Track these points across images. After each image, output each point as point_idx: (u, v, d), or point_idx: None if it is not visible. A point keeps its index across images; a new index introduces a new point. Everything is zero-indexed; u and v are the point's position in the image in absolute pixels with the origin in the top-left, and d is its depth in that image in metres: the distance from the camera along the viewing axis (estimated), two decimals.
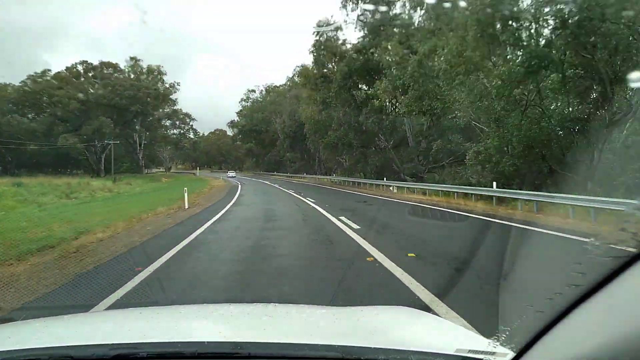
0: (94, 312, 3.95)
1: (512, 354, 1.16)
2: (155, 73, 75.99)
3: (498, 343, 1.30)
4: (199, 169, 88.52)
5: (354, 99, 28.42)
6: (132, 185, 47.36)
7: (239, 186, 35.01)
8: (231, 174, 65.38)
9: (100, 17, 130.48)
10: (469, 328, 3.17)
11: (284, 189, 30.42)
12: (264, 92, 71.92)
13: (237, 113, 77.70)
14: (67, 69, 66.46)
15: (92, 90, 64.23)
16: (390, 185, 26.29)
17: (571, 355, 0.91)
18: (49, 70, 64.73)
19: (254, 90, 75.32)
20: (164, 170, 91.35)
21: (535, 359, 1.05)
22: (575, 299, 0.93)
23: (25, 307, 4.66)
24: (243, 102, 76.24)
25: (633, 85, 13.52)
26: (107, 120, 59.12)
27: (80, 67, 67.94)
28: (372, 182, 29.37)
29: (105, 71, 69.26)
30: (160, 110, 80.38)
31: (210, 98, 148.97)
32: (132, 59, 72.69)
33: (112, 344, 1.38)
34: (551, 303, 1.03)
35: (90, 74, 67.84)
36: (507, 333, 1.30)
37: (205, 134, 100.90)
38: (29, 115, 64.81)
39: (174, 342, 1.44)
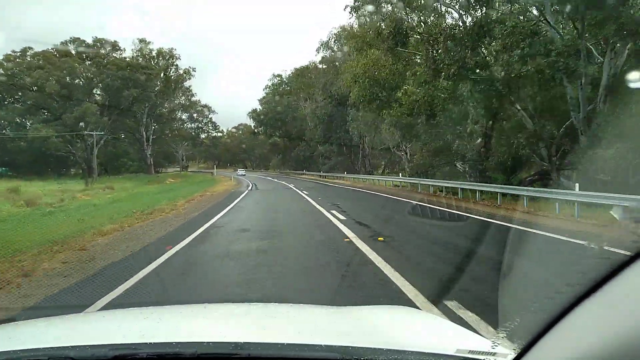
0: (94, 312, 3.96)
1: (512, 354, 1.14)
2: (167, 57, 64.73)
3: (499, 343, 1.29)
4: (220, 168, 78.46)
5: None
6: (114, 189, 35.72)
7: (244, 193, 22.90)
8: (241, 172, 61.80)
9: (99, 17, 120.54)
10: None
11: (321, 206, 14.89)
12: (290, 75, 58.76)
13: (259, 100, 65.05)
14: (55, 47, 55.05)
15: (78, 68, 52.02)
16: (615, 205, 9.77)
17: (572, 355, 0.90)
18: (31, 48, 53.31)
19: (280, 75, 62.53)
20: (179, 169, 79.60)
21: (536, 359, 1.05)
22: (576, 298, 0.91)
23: (26, 307, 4.69)
24: (267, 89, 63.86)
25: (633, 85, 11.64)
26: (91, 107, 46.78)
27: (71, 46, 56.54)
28: (520, 191, 13.63)
29: (102, 51, 57.71)
30: (176, 101, 69.54)
31: (224, 99, 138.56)
32: (140, 41, 61.25)
33: (112, 344, 1.36)
34: (552, 302, 1.00)
35: (84, 56, 56.59)
36: (508, 333, 1.28)
37: (229, 128, 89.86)
38: (17, 104, 53.97)
39: (173, 342, 1.39)
